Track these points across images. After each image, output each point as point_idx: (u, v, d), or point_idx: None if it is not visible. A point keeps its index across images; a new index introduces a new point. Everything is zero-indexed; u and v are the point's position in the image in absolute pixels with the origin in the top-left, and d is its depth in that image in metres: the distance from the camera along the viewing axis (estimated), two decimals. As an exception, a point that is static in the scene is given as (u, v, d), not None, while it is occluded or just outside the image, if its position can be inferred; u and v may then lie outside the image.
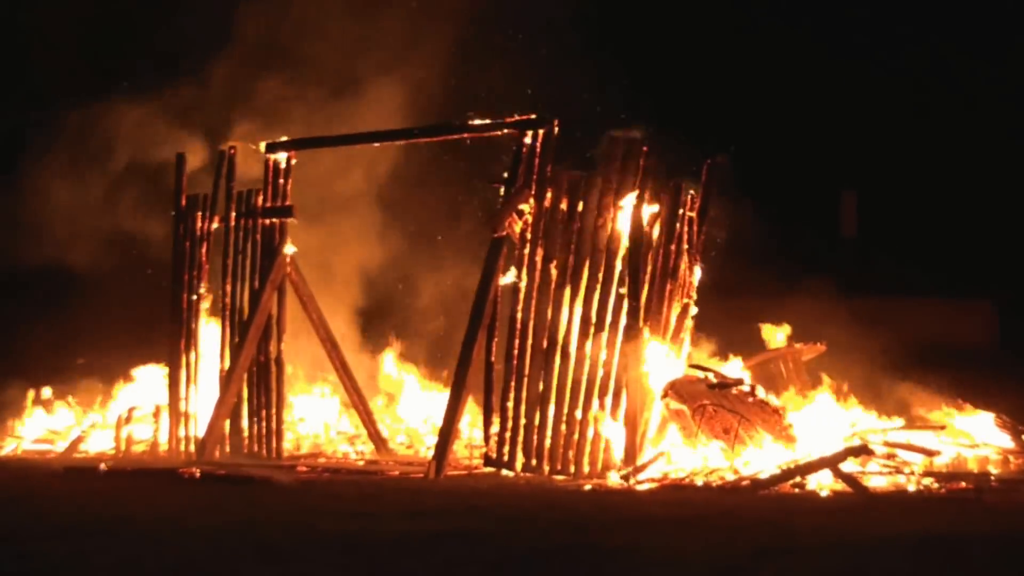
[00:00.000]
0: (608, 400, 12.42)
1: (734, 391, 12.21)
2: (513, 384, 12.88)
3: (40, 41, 19.84)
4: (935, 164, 28.48)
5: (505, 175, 13.19)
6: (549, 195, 13.01)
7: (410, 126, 15.32)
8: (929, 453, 12.27)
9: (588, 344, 12.60)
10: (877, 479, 11.68)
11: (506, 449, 12.87)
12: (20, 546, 7.55)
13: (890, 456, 12.18)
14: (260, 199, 14.92)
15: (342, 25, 18.64)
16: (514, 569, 6.88)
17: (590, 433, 12.46)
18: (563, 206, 12.93)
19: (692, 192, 12.88)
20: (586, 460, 12.46)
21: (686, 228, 12.76)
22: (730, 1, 27.47)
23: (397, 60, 18.23)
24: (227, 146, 15.20)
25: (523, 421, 12.81)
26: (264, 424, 14.72)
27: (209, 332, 15.16)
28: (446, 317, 16.94)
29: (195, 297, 15.17)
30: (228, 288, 14.96)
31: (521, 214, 13.10)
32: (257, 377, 14.80)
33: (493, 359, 13.15)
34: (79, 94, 18.54)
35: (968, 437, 13.22)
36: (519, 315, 12.93)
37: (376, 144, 15.53)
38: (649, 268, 12.53)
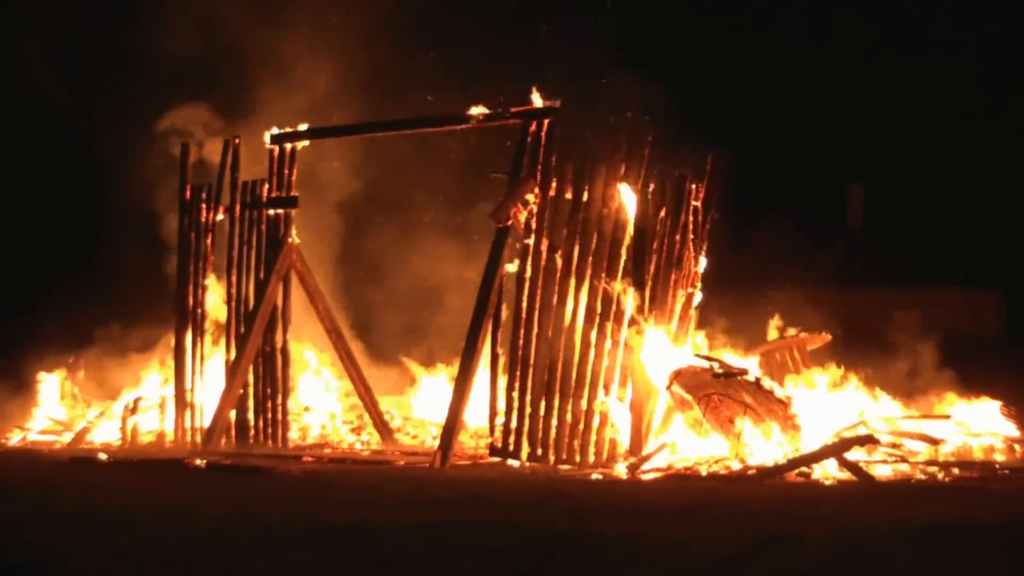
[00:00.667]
0: (613, 390, 12.41)
1: (739, 380, 12.19)
2: (518, 374, 12.87)
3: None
4: (943, 154, 28.46)
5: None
6: (554, 185, 13.00)
7: (416, 116, 15.31)
8: (934, 442, 12.27)
9: (593, 334, 12.58)
10: (882, 468, 11.67)
11: (512, 439, 12.87)
12: (26, 535, 7.57)
13: (895, 445, 12.17)
14: (265, 189, 14.91)
15: (345, 14, 18.63)
16: (519, 558, 6.88)
17: (595, 423, 12.46)
18: (568, 196, 12.92)
19: (697, 183, 12.87)
20: (591, 449, 12.46)
21: (691, 218, 12.75)
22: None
23: (402, 49, 18.22)
24: (232, 136, 15.19)
25: (528, 411, 12.80)
26: (270, 414, 14.73)
27: (214, 323, 15.17)
28: (451, 307, 16.93)
29: (200, 288, 15.17)
30: (233, 279, 14.97)
31: (526, 204, 13.08)
32: (263, 367, 14.81)
33: (498, 349, 13.15)
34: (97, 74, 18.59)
35: (965, 426, 13.20)
36: (524, 305, 12.93)
37: (381, 134, 15.52)
38: (654, 258, 12.51)
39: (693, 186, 12.82)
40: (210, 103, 16.70)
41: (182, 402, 15.18)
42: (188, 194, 15.34)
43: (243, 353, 14.68)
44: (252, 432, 14.77)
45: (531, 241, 13.01)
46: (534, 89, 13.13)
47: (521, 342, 12.90)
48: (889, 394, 14.05)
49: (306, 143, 14.90)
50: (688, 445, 12.29)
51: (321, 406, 16.18)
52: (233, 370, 14.74)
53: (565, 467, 12.45)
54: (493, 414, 13.14)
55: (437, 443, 13.11)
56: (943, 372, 14.62)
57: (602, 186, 12.74)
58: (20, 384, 17.08)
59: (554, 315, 12.78)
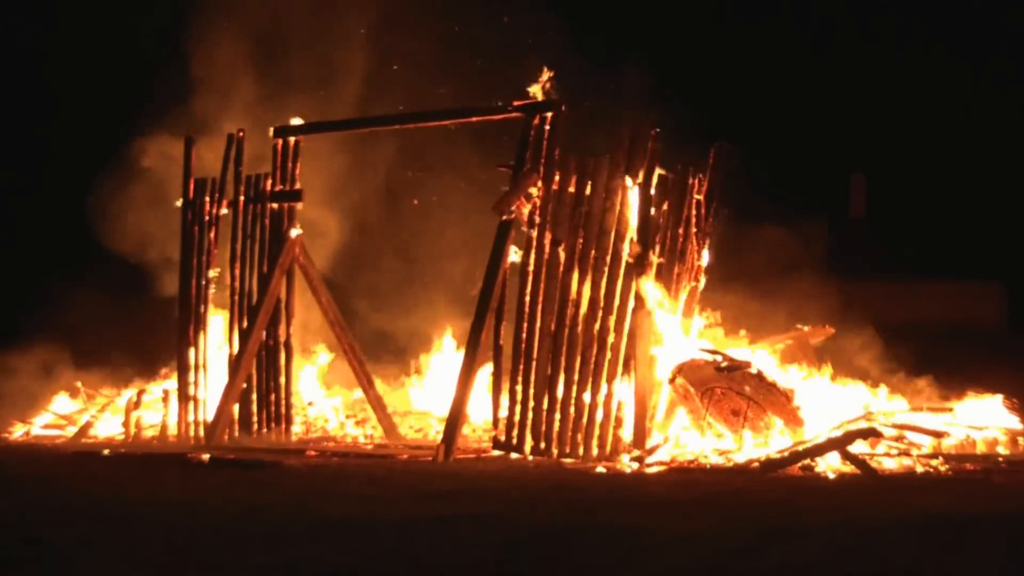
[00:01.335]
0: (617, 383, 12.41)
1: (742, 374, 12.19)
2: (522, 367, 12.87)
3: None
4: (945, 145, 28.41)
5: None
6: (557, 178, 12.99)
7: (419, 110, 15.30)
8: (937, 435, 12.26)
9: (596, 327, 12.58)
10: (886, 461, 11.67)
11: (515, 432, 12.87)
12: (28, 530, 7.56)
13: (898, 438, 12.17)
14: (268, 183, 14.90)
15: (350, 8, 18.61)
16: (523, 550, 6.88)
17: (599, 416, 12.45)
18: (571, 189, 12.91)
19: (700, 175, 12.87)
20: (595, 443, 12.45)
21: (694, 211, 12.75)
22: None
23: (405, 43, 18.21)
24: (236, 130, 15.18)
25: (532, 404, 12.80)
26: (273, 408, 14.74)
27: (217, 317, 15.17)
28: (454, 300, 16.93)
29: (204, 282, 15.17)
30: (237, 272, 14.97)
31: (529, 197, 13.07)
32: (266, 361, 14.81)
33: (501, 342, 13.15)
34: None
35: (967, 419, 13.19)
36: (527, 298, 12.92)
37: (384, 128, 15.52)
38: (657, 251, 12.51)
39: (696, 179, 12.83)
40: (212, 97, 16.72)
41: (185, 396, 15.18)
42: (191, 188, 15.34)
43: (246, 347, 14.69)
44: (255, 426, 14.78)
45: (534, 234, 13.01)
46: (542, 80, 13.12)
47: (524, 335, 12.90)
48: (891, 387, 14.04)
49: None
50: (692, 438, 12.30)
51: (324, 400, 16.19)
52: (236, 364, 14.75)
53: (569, 460, 12.46)
54: (496, 408, 13.14)
55: (440, 437, 13.11)
56: (945, 364, 14.60)
57: (605, 179, 12.73)
58: (23, 376, 17.10)
59: (556, 308, 12.78)
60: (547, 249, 12.92)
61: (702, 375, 12.18)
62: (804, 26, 28.02)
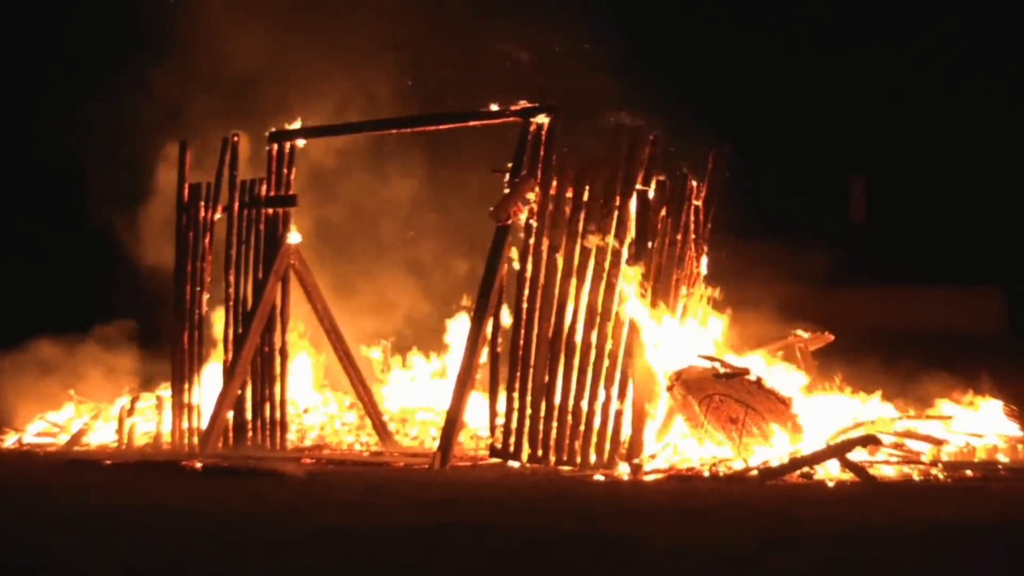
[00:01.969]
0: (614, 390, 12.34)
1: (741, 381, 12.13)
2: (519, 374, 12.81)
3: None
4: (945, 150, 28.40)
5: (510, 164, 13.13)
6: (555, 183, 12.93)
7: (415, 114, 15.24)
8: (937, 442, 12.20)
9: (594, 334, 12.51)
10: (885, 468, 11.61)
11: (512, 440, 12.81)
12: (21, 539, 7.50)
13: (898, 446, 12.11)
14: (264, 188, 14.83)
15: (344, 11, 18.59)
16: (521, 559, 6.82)
17: (596, 423, 12.38)
18: (569, 195, 12.85)
19: (698, 181, 12.82)
20: (592, 450, 12.39)
21: (692, 217, 12.69)
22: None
23: (403, 47, 18.18)
24: (231, 134, 15.11)
25: (529, 411, 12.74)
26: (268, 415, 14.66)
27: (212, 323, 15.10)
28: (451, 305, 16.89)
29: (198, 288, 15.09)
30: (231, 278, 14.89)
31: (527, 202, 13.01)
32: (261, 368, 14.74)
33: (499, 349, 13.08)
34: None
35: (967, 427, 13.13)
36: (524, 304, 12.86)
37: (380, 132, 15.45)
38: (656, 258, 12.45)
39: (694, 184, 12.77)
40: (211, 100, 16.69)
41: (179, 403, 15.09)
42: (186, 193, 15.26)
43: (241, 353, 14.61)
44: (250, 433, 14.70)
45: (532, 240, 12.95)
46: (535, 85, 13.10)
47: (521, 342, 12.84)
48: (890, 394, 13.98)
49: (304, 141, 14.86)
50: (690, 446, 12.23)
51: (320, 407, 16.12)
52: (231, 371, 14.67)
53: (566, 468, 12.39)
54: (493, 415, 13.07)
55: (436, 444, 13.04)
56: (945, 371, 14.56)
57: (603, 185, 12.66)
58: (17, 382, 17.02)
59: (554, 315, 12.71)
60: (544, 255, 12.86)
61: (700, 382, 12.11)
62: (805, 31, 28.02)
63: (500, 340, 13.14)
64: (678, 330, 12.58)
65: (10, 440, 16.19)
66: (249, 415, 14.72)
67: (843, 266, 26.74)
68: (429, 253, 18.27)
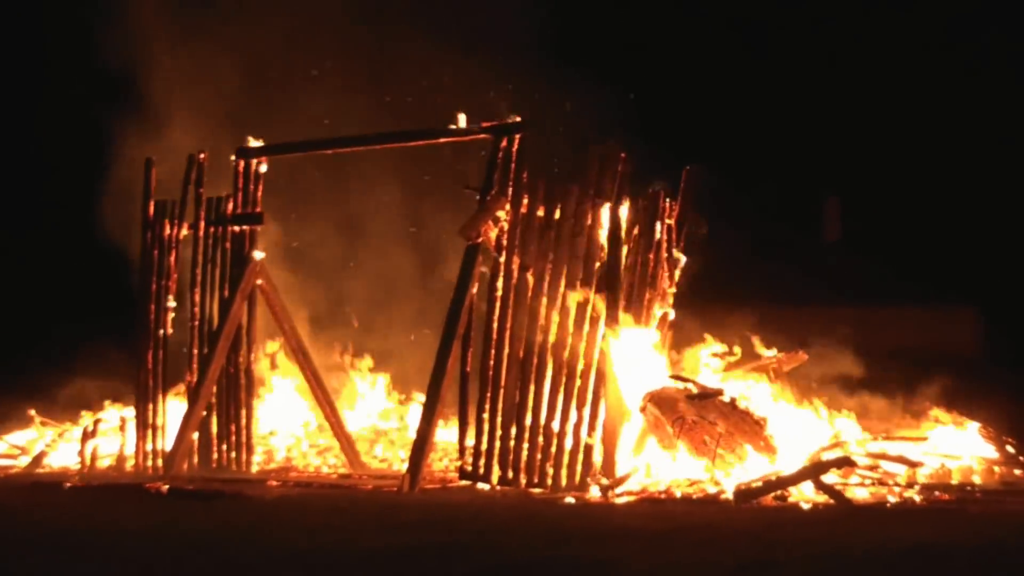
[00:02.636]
0: (586, 411, 12.19)
1: (714, 402, 12.01)
2: (489, 395, 12.65)
3: None
4: (921, 170, 28.47)
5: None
6: (526, 202, 12.80)
7: (385, 131, 15.09)
8: (912, 464, 12.10)
9: (565, 354, 12.37)
10: (860, 490, 11.50)
11: (482, 462, 12.65)
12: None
13: (873, 467, 12.01)
14: (230, 206, 14.64)
15: (313, 30, 18.49)
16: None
17: (568, 445, 12.22)
18: (540, 213, 12.72)
19: (670, 200, 12.72)
20: (564, 472, 12.22)
21: (664, 236, 12.59)
22: (711, 6, 27.46)
23: (370, 65, 18.08)
24: (197, 151, 14.92)
25: (499, 433, 12.58)
26: (234, 437, 14.46)
27: (177, 343, 14.88)
28: (420, 326, 16.74)
29: (163, 307, 14.88)
30: (197, 297, 14.70)
31: (497, 221, 12.88)
32: (227, 389, 14.53)
33: (468, 369, 12.93)
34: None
35: (943, 448, 13.04)
36: (495, 324, 12.71)
37: (348, 149, 15.30)
38: (627, 277, 12.32)
39: (667, 203, 12.67)
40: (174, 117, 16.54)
41: (143, 424, 14.86)
42: (151, 210, 15.05)
43: (206, 374, 14.39)
44: (215, 455, 14.49)
45: (502, 259, 12.80)
46: (505, 103, 12.99)
47: (492, 362, 12.68)
48: (866, 414, 13.89)
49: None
50: (662, 468, 12.08)
51: (286, 428, 15.90)
52: (196, 392, 14.45)
53: (537, 490, 12.23)
54: (463, 436, 12.91)
55: (405, 466, 12.87)
56: (921, 392, 14.49)
57: (574, 203, 12.54)
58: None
59: (525, 335, 12.56)
60: (515, 274, 12.72)
61: (673, 403, 11.98)
62: (778, 49, 28.06)
63: (470, 360, 12.96)
64: (651, 350, 12.45)
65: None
66: (215, 436, 14.50)
67: (818, 285, 26.74)
68: (398, 270, 18.11)
